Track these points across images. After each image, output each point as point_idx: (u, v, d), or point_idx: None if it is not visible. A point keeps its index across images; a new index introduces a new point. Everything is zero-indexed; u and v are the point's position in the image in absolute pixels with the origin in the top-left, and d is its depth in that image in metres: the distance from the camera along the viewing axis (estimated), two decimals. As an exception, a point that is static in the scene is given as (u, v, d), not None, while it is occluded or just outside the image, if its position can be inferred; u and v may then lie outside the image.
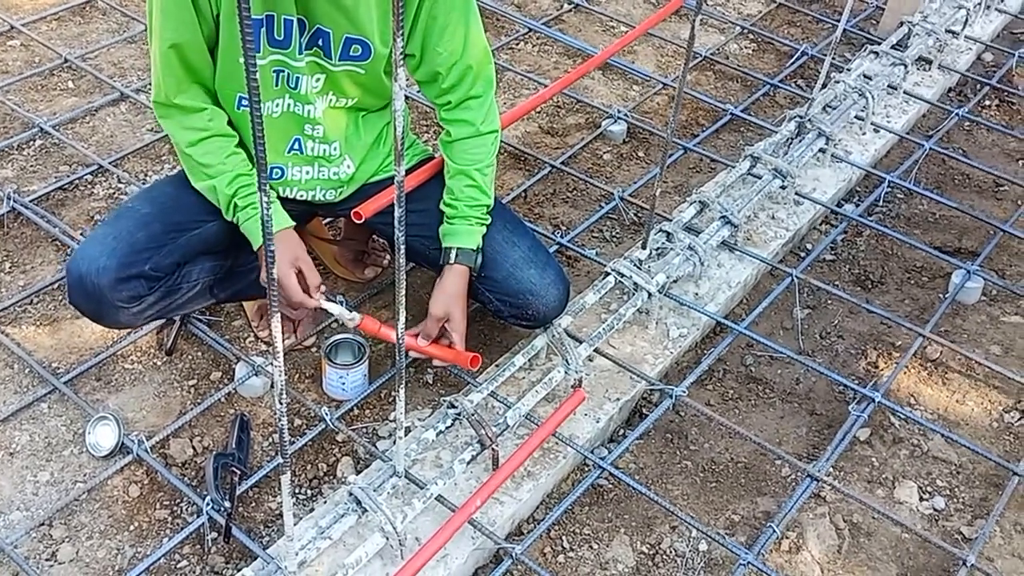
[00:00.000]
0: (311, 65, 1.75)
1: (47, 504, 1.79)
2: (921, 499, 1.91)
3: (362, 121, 1.90)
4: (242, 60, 1.67)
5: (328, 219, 2.31)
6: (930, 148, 2.75)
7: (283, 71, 1.73)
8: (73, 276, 1.74)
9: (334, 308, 1.80)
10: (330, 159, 1.88)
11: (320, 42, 1.72)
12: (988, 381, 2.14)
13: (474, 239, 1.86)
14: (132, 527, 1.77)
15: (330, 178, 1.90)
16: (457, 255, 1.85)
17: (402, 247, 1.31)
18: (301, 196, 1.91)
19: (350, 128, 1.88)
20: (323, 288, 1.82)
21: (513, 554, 1.68)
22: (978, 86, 3.12)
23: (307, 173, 1.88)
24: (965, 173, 2.79)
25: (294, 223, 1.81)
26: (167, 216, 1.80)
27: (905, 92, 2.94)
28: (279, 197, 1.89)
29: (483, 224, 1.88)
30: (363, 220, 1.85)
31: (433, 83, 1.87)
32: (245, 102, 1.76)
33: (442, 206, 1.89)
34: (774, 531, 1.76)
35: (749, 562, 1.70)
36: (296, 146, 1.84)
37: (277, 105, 1.78)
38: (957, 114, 2.92)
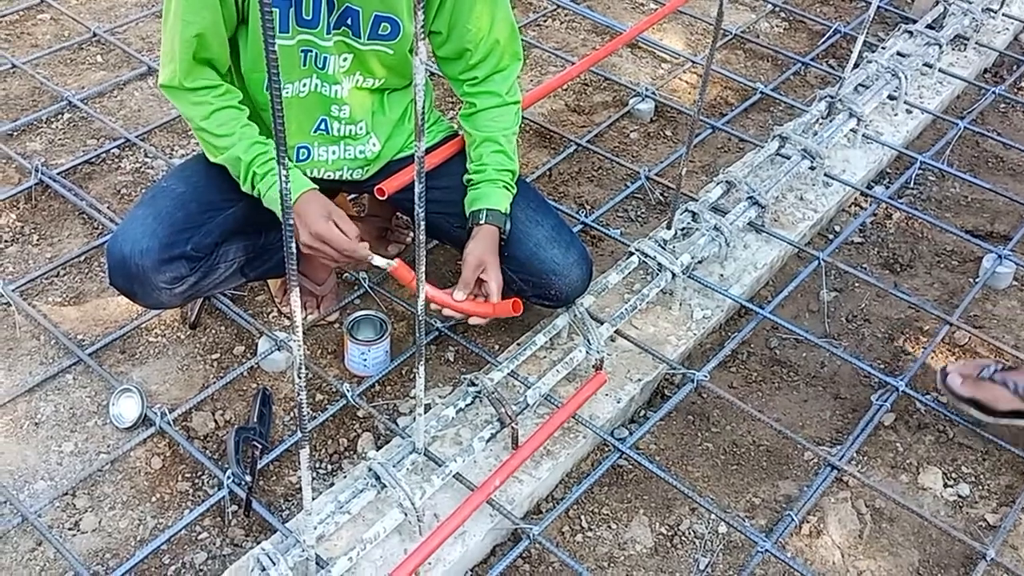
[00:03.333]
0: (339, 44, 1.74)
1: (71, 474, 1.81)
2: (946, 485, 1.88)
3: (387, 99, 1.89)
4: (276, 42, 1.67)
5: (352, 196, 2.31)
6: (964, 127, 2.70)
7: (311, 51, 1.72)
8: (115, 258, 1.73)
9: (381, 261, 1.74)
10: (356, 138, 1.87)
11: (349, 21, 1.71)
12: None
13: (503, 202, 1.84)
14: (154, 498, 1.79)
15: (356, 157, 1.89)
16: (487, 215, 1.82)
17: (422, 223, 1.30)
18: (328, 176, 1.90)
19: (375, 106, 1.87)
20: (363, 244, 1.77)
21: (531, 534, 1.68)
22: (1015, 66, 3.05)
23: (333, 153, 1.88)
24: (999, 156, 2.73)
25: (313, 185, 1.77)
26: (202, 195, 1.80)
27: (940, 71, 2.88)
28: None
29: (510, 190, 1.87)
30: (386, 196, 1.84)
31: (459, 60, 1.86)
32: None
33: (468, 175, 1.88)
34: (792, 519, 1.75)
35: (767, 549, 1.69)
36: (323, 126, 1.83)
37: (304, 85, 1.77)
38: (994, 92, 2.86)
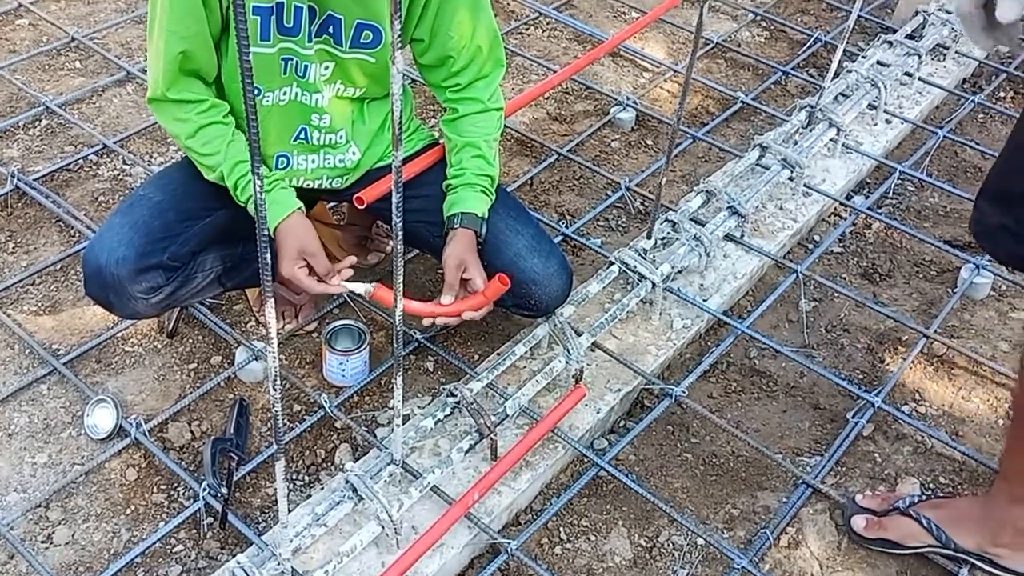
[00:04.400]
0: (320, 53, 1.73)
1: (44, 486, 1.79)
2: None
3: (367, 108, 1.88)
4: (256, 50, 1.66)
5: (332, 204, 2.30)
6: (943, 137, 2.71)
7: (291, 59, 1.71)
8: (91, 267, 1.71)
9: (358, 287, 1.72)
10: (336, 147, 1.86)
11: (331, 29, 1.70)
12: (994, 378, 2.11)
13: (480, 206, 1.83)
14: (128, 510, 1.77)
15: (336, 166, 1.88)
16: (462, 219, 1.82)
17: (400, 233, 1.30)
18: (307, 184, 1.89)
19: (356, 115, 1.86)
20: (345, 265, 1.77)
21: (508, 549, 1.67)
22: (993, 76, 3.07)
23: (313, 162, 1.86)
24: (977, 166, 2.75)
25: (301, 204, 1.77)
26: (180, 204, 1.78)
27: (920, 80, 2.90)
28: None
29: (488, 195, 1.86)
30: (365, 205, 1.83)
31: (441, 67, 1.85)
32: (257, 93, 1.73)
33: (447, 180, 1.87)
34: (768, 538, 1.75)
35: (743, 567, 1.69)
36: (302, 135, 1.82)
37: (284, 93, 1.75)
38: (973, 101, 2.88)
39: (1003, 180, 1.41)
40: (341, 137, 1.85)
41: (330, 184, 1.91)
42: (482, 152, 1.86)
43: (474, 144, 1.86)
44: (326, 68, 1.76)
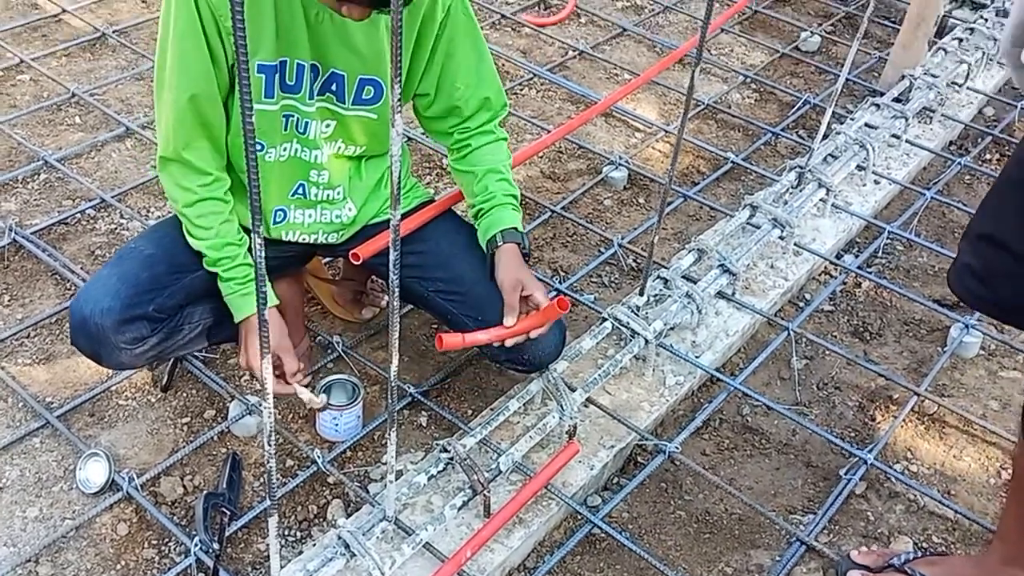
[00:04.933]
0: (322, 111, 1.76)
1: (34, 540, 1.78)
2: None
3: (364, 165, 1.91)
4: (259, 107, 1.69)
5: (327, 259, 2.32)
6: (931, 198, 2.76)
7: (292, 115, 1.74)
8: (76, 318, 1.73)
9: (310, 398, 1.81)
10: (333, 203, 1.88)
11: (334, 87, 1.73)
12: (985, 437, 2.13)
13: (517, 222, 1.85)
14: (119, 566, 1.76)
15: (332, 221, 1.90)
16: (504, 236, 1.81)
17: (396, 290, 1.31)
18: (303, 239, 1.91)
19: (353, 172, 1.89)
20: (302, 375, 1.81)
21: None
22: (979, 139, 3.13)
23: (309, 217, 1.88)
24: (965, 226, 2.78)
25: (278, 300, 1.80)
26: (171, 257, 1.79)
27: (907, 142, 2.95)
28: (279, 241, 1.88)
29: (518, 212, 1.88)
30: (360, 261, 1.85)
31: (447, 117, 1.88)
32: (259, 148, 1.76)
33: (475, 209, 1.89)
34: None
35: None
36: (300, 190, 1.85)
37: (284, 149, 1.78)
38: (959, 163, 2.93)
39: (974, 221, 1.45)
40: (338, 193, 1.88)
41: (326, 239, 1.93)
42: (505, 176, 1.89)
43: (495, 170, 1.88)
44: (327, 126, 1.79)
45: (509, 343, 1.81)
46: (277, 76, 1.68)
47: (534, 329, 1.80)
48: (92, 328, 1.71)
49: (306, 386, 2.09)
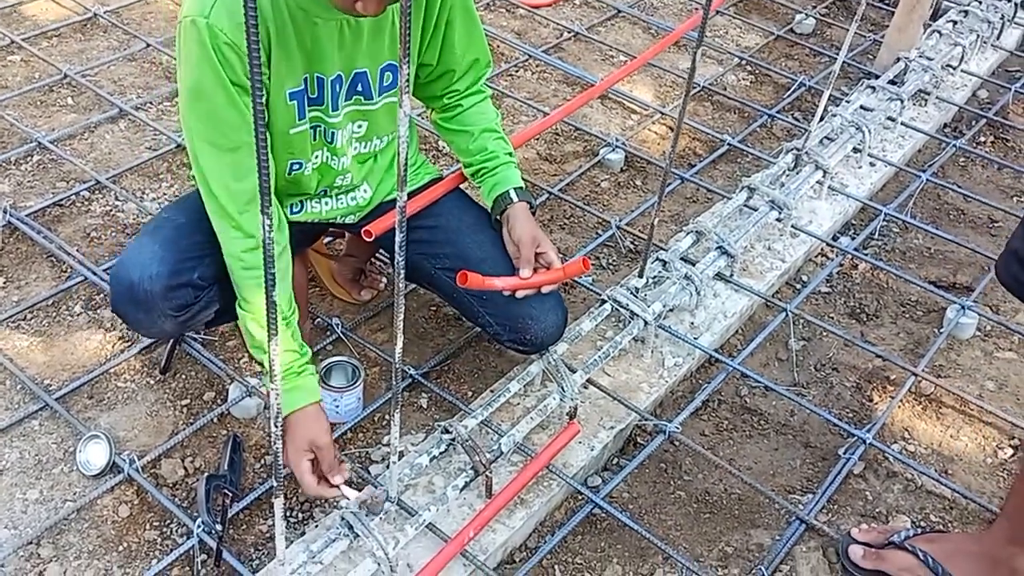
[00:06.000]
0: (351, 114, 1.75)
1: (35, 523, 1.78)
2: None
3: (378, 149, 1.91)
4: (291, 131, 1.67)
5: (328, 239, 2.32)
6: (926, 180, 2.77)
7: (320, 126, 1.73)
8: (122, 283, 1.70)
9: (352, 494, 1.66)
10: (351, 188, 1.89)
11: (359, 87, 1.73)
12: (982, 417, 2.14)
13: (519, 179, 1.88)
14: (121, 548, 1.76)
15: (348, 205, 1.91)
16: (517, 193, 1.85)
17: (402, 271, 1.31)
18: (319, 220, 1.92)
19: (371, 162, 1.89)
20: (344, 468, 1.68)
21: (505, 583, 1.67)
22: (973, 121, 3.14)
23: (327, 204, 1.89)
24: (960, 208, 2.80)
25: (320, 397, 1.70)
26: (204, 226, 1.74)
27: (903, 124, 2.96)
28: (296, 223, 1.85)
29: (519, 170, 1.91)
30: (373, 238, 1.84)
31: (440, 79, 1.88)
32: (296, 166, 1.75)
33: (474, 168, 1.90)
34: (763, 574, 1.76)
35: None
36: (324, 192, 1.87)
37: (316, 157, 1.78)
38: (955, 145, 2.94)
39: None
40: (360, 188, 1.89)
41: (343, 220, 1.94)
42: (501, 135, 1.91)
43: (491, 128, 1.90)
44: (359, 126, 1.79)
45: (520, 295, 1.81)
46: (305, 96, 1.67)
47: (548, 284, 1.82)
48: (140, 294, 1.68)
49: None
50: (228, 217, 1.63)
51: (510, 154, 1.91)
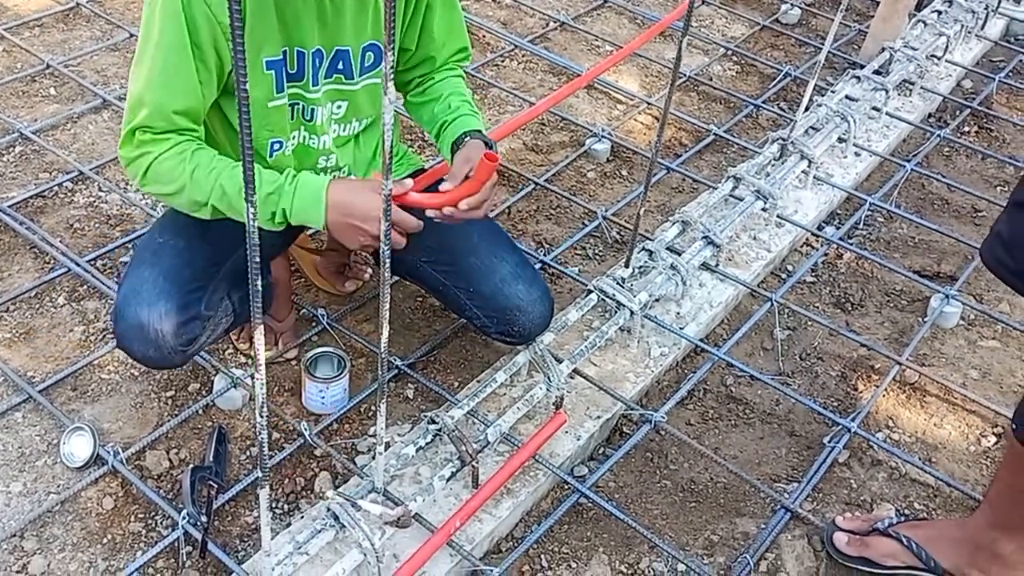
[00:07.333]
0: (330, 93, 1.73)
1: (19, 515, 1.77)
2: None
3: (362, 137, 1.90)
4: (269, 104, 1.65)
5: (312, 231, 2.30)
6: (911, 170, 2.78)
7: (298, 103, 1.71)
8: (131, 323, 1.64)
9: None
10: (335, 169, 1.87)
11: (341, 65, 1.71)
12: (965, 405, 2.15)
13: (479, 124, 1.82)
14: (105, 540, 1.75)
15: None
16: (471, 135, 1.76)
17: (387, 261, 1.30)
18: None
19: (354, 147, 1.88)
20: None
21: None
22: (958, 111, 3.15)
23: None
24: (944, 198, 2.81)
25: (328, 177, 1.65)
26: (201, 248, 1.73)
27: (887, 114, 2.97)
28: None
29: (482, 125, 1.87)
30: None
31: (419, 66, 1.88)
32: (277, 146, 1.73)
33: (436, 125, 1.86)
34: (748, 563, 1.77)
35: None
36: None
37: (293, 139, 1.76)
38: (939, 135, 2.95)
39: (1015, 190, 1.40)
40: (344, 172, 1.87)
41: None
42: (467, 98, 1.88)
43: (458, 92, 1.88)
44: (339, 107, 1.77)
45: (447, 211, 1.67)
46: (284, 68, 1.65)
47: (467, 197, 1.66)
48: (151, 334, 1.64)
49: (291, 359, 2.08)
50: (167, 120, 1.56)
51: (476, 111, 1.86)
